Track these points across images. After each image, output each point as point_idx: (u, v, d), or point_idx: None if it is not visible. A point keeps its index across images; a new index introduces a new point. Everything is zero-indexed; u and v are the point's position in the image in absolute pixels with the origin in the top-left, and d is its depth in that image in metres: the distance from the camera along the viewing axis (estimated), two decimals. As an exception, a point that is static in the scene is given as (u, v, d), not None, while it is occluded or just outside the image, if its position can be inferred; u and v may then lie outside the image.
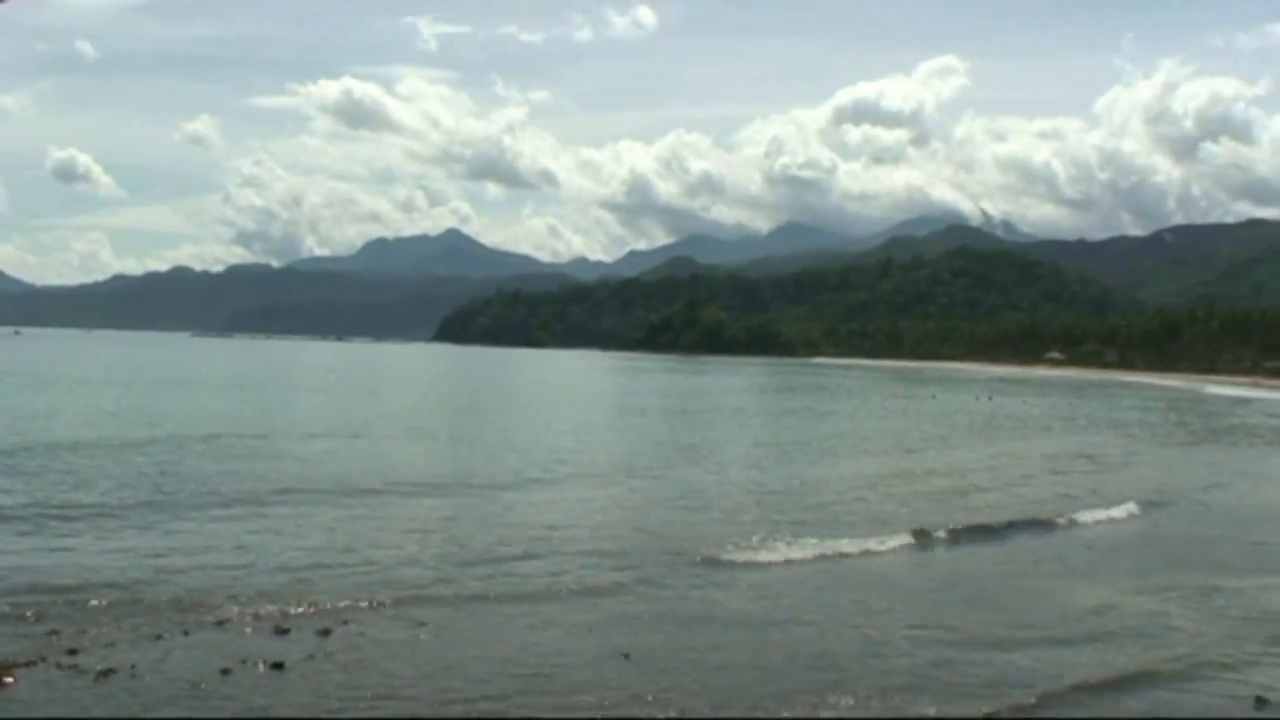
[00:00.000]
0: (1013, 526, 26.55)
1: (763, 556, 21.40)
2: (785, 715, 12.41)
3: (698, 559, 21.09)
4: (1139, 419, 77.53)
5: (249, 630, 15.35)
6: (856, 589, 19.22)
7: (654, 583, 19.16)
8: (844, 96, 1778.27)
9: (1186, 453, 51.94)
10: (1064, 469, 41.63)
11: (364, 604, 16.75)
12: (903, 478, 36.52)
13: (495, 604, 17.26)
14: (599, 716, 12.44)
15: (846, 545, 22.64)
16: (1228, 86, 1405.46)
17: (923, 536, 24.22)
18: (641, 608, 17.38)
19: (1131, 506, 30.07)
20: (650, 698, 13.00)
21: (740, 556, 21.35)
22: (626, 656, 14.57)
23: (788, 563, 21.15)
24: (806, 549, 22.14)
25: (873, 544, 23.04)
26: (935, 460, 43.80)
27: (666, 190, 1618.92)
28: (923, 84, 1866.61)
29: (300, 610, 16.24)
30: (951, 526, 25.72)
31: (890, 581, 19.97)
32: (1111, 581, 20.55)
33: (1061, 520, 27.82)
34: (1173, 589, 19.92)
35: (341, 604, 16.65)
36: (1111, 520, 28.06)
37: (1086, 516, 28.33)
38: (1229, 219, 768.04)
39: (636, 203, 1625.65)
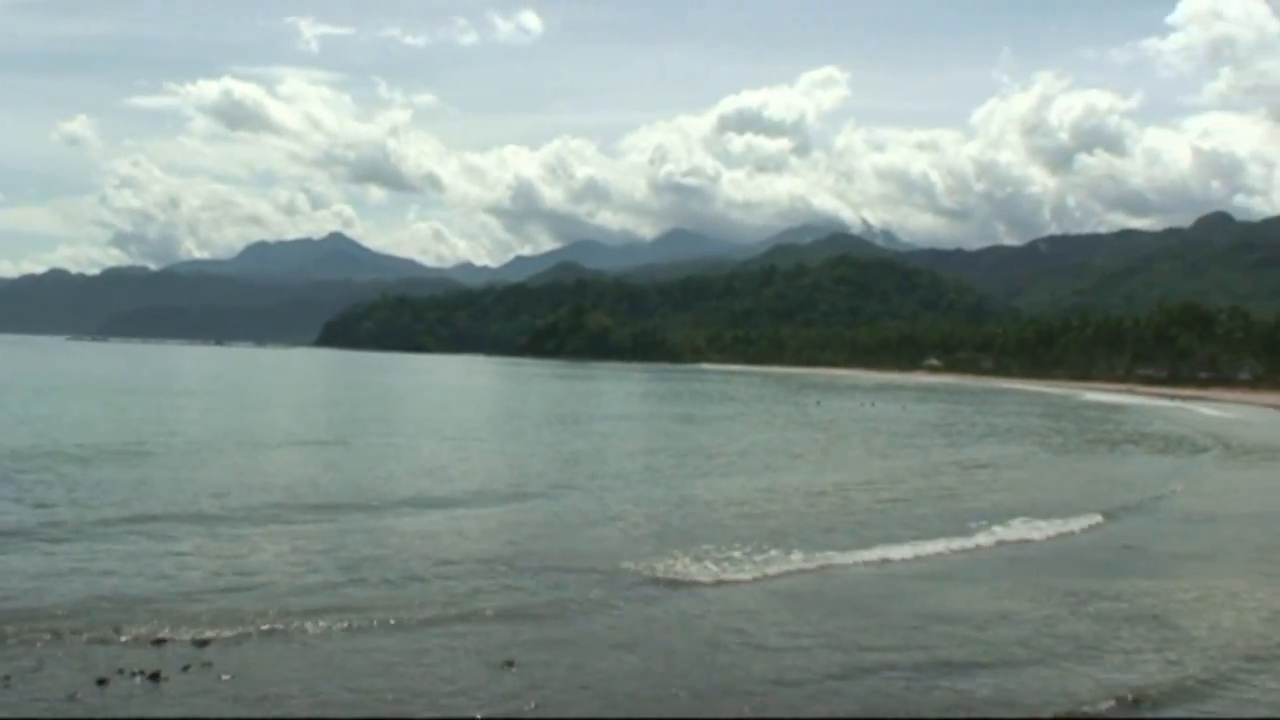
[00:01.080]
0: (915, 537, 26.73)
1: (662, 573, 20.84)
2: None
3: (593, 572, 20.51)
4: (1023, 425, 79.14)
5: (125, 640, 14.88)
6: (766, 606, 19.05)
7: (546, 595, 18.76)
8: (728, 105, 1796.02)
9: (1076, 461, 53.00)
10: (959, 477, 42.12)
11: (245, 617, 16.15)
12: (797, 491, 36.60)
13: (382, 615, 16.73)
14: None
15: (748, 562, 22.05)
16: (1101, 100, 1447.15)
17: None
18: (531, 621, 16.96)
19: (1031, 517, 30.46)
20: (532, 705, 12.77)
21: (641, 569, 20.80)
22: (510, 664, 14.27)
23: (711, 582, 20.74)
24: (710, 567, 21.56)
25: (773, 556, 22.50)
26: (827, 472, 44.00)
27: (552, 196, 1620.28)
28: (805, 94, 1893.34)
29: (178, 623, 15.61)
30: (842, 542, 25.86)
31: (790, 597, 19.73)
32: (999, 587, 20.65)
33: (960, 530, 28.02)
34: (1049, 592, 20.08)
35: (221, 618, 16.05)
36: (1008, 529, 28.31)
37: (983, 527, 28.52)
38: (1102, 229, 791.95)
39: (522, 208, 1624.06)
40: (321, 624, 15.98)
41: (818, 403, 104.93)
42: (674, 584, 19.67)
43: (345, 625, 16.00)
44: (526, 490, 32.38)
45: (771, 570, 21.00)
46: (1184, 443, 64.12)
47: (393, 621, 16.35)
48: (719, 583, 19.92)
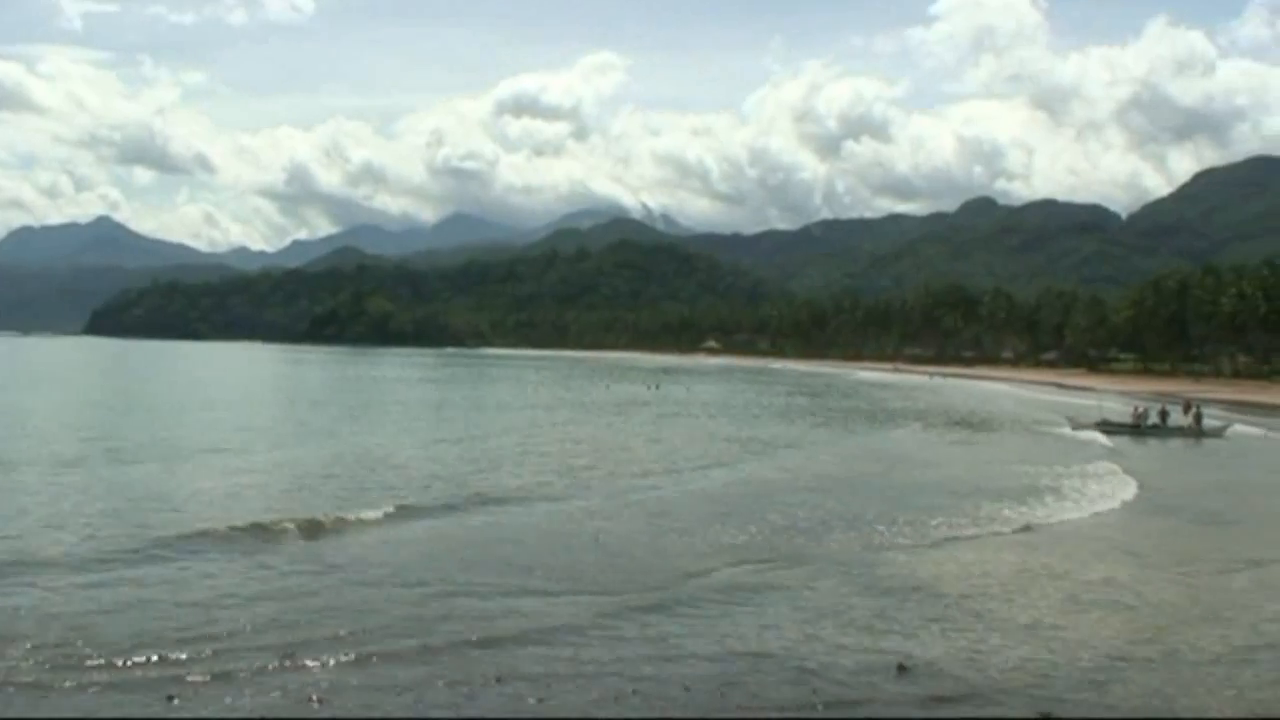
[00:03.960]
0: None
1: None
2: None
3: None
4: (796, 403, 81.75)
5: None
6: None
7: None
8: (505, 89, 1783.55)
9: (842, 433, 55.02)
10: (748, 452, 43.35)
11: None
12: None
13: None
14: None
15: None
16: (869, 87, 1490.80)
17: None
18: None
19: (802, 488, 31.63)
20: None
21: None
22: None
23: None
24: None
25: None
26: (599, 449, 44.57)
27: (328, 179, 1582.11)
28: (583, 78, 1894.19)
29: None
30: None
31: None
32: (759, 554, 21.07)
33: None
34: (818, 561, 20.73)
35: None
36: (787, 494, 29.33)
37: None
38: (871, 214, 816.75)
39: (297, 191, 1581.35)
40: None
41: (607, 387, 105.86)
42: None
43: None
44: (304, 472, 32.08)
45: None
46: (948, 418, 67.33)
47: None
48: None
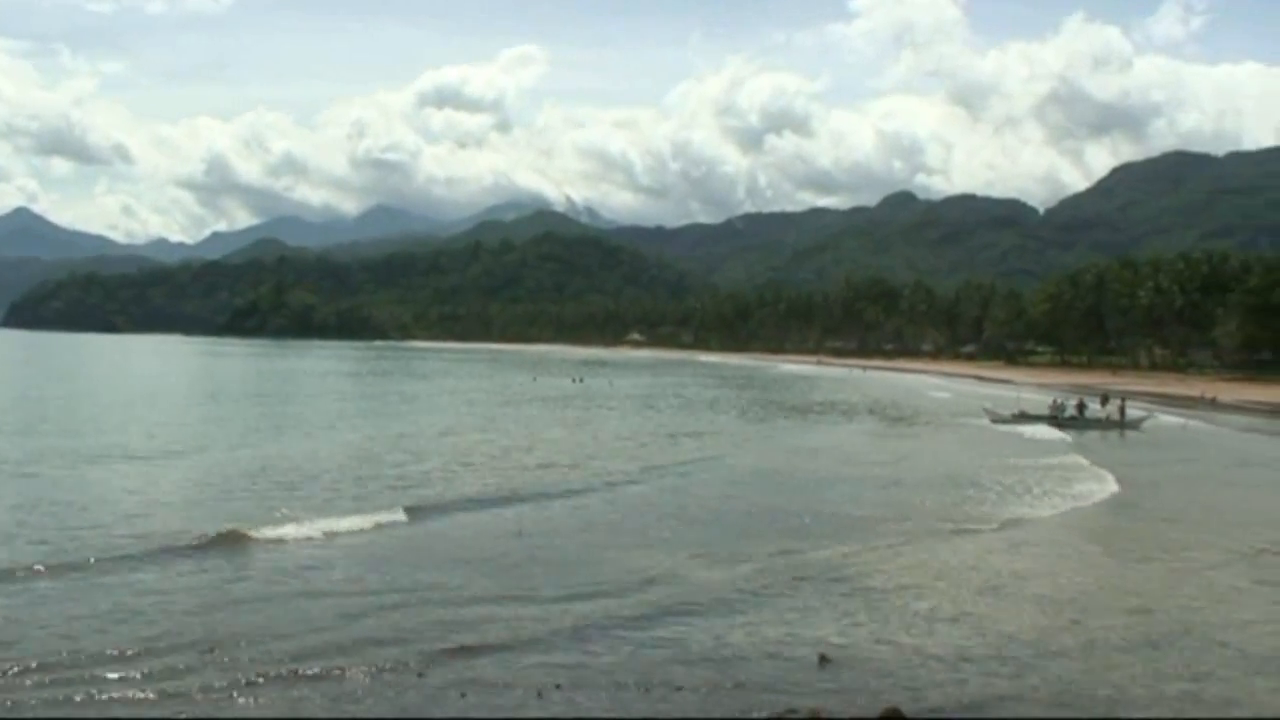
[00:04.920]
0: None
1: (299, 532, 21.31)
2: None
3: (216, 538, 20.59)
4: (722, 395, 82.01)
5: None
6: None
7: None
8: (427, 81, 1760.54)
9: (764, 426, 55.20)
10: (662, 445, 43.28)
11: None
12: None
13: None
14: None
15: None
16: (790, 82, 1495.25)
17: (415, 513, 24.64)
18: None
19: (721, 480, 31.58)
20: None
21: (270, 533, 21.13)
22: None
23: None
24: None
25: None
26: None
27: (247, 170, 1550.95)
28: (505, 71, 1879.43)
29: None
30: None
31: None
32: (679, 548, 21.18)
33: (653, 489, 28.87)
34: (740, 553, 20.74)
35: None
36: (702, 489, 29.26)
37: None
38: (793, 208, 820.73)
39: (216, 182, 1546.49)
40: None
41: (535, 379, 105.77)
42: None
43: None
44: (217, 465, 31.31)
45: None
46: (869, 410, 67.83)
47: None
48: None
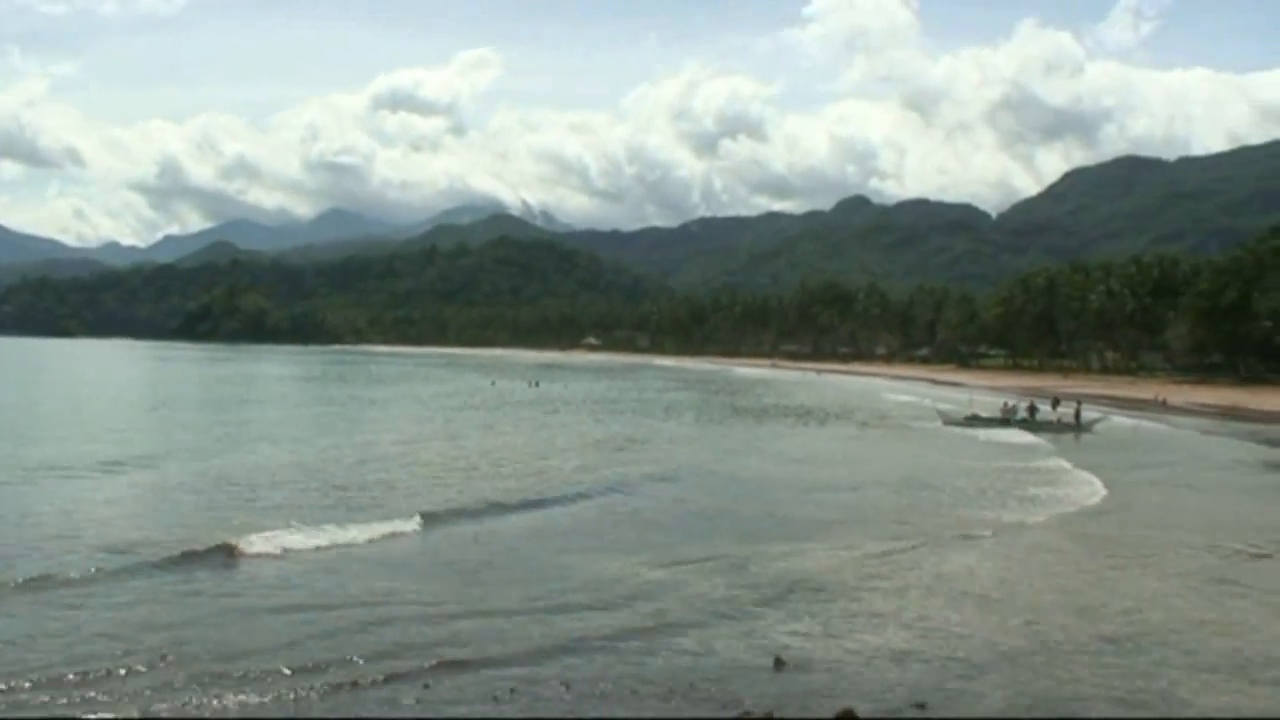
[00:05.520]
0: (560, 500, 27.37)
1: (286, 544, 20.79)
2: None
3: (211, 548, 20.07)
4: (680, 400, 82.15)
5: None
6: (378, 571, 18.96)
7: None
8: (381, 84, 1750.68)
9: (720, 430, 55.29)
10: (614, 450, 43.28)
11: None
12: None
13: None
14: None
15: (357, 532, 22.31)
16: (745, 86, 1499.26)
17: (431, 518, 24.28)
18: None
19: (670, 485, 31.62)
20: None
21: (267, 545, 20.53)
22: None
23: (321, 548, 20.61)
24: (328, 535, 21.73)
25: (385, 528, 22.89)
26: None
27: (200, 173, 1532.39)
28: (459, 74, 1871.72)
29: None
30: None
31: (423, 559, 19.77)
32: (636, 553, 21.15)
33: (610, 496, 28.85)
34: (697, 559, 20.69)
35: None
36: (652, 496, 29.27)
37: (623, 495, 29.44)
38: (748, 212, 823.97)
39: (169, 185, 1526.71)
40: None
41: (493, 383, 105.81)
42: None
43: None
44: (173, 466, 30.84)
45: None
46: (825, 413, 68.11)
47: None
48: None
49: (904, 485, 32.48)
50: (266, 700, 12.35)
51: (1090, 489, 32.25)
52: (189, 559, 19.53)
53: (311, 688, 12.74)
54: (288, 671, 13.23)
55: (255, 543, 20.65)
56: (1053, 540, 23.78)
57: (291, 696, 12.48)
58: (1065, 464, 39.07)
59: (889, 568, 20.42)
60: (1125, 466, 39.29)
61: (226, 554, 19.96)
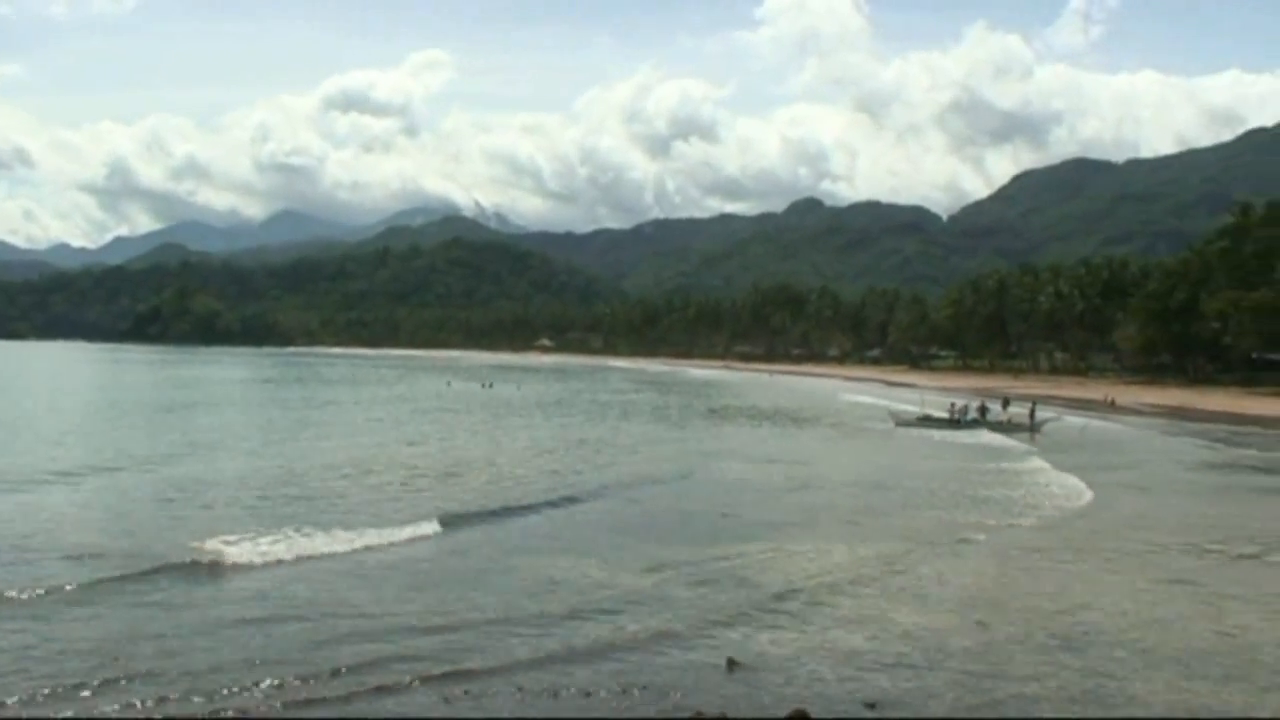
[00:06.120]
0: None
1: (260, 555, 20.31)
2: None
3: (189, 559, 19.62)
4: (639, 400, 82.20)
5: None
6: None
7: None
8: (333, 85, 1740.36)
9: (680, 432, 55.31)
10: (571, 455, 43.22)
11: None
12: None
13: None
14: None
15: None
16: (697, 89, 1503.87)
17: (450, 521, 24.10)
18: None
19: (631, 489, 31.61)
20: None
21: (236, 556, 20.09)
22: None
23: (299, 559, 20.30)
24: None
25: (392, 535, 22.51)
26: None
27: (150, 174, 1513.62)
28: (412, 75, 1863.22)
29: None
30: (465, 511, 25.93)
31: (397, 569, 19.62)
32: (588, 556, 21.09)
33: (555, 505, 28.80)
34: (653, 561, 20.68)
35: None
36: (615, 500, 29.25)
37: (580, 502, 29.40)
38: (701, 214, 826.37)
39: (118, 186, 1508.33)
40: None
41: (449, 384, 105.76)
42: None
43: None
44: (134, 468, 30.35)
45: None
46: (779, 415, 68.34)
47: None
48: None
49: (856, 485, 32.71)
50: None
51: (1074, 490, 32.55)
52: (144, 570, 19.21)
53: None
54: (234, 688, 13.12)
55: (210, 553, 20.14)
56: (1018, 540, 23.88)
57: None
58: (1043, 464, 39.42)
59: (842, 567, 20.50)
60: (1093, 468, 39.66)
61: (189, 565, 19.42)
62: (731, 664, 14.06)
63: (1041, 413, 59.63)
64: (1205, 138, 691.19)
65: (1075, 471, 36.45)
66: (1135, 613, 17.28)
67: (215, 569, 19.35)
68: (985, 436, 52.98)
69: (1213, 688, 13.54)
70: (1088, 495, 31.24)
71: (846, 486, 32.61)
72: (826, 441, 51.23)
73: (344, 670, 13.51)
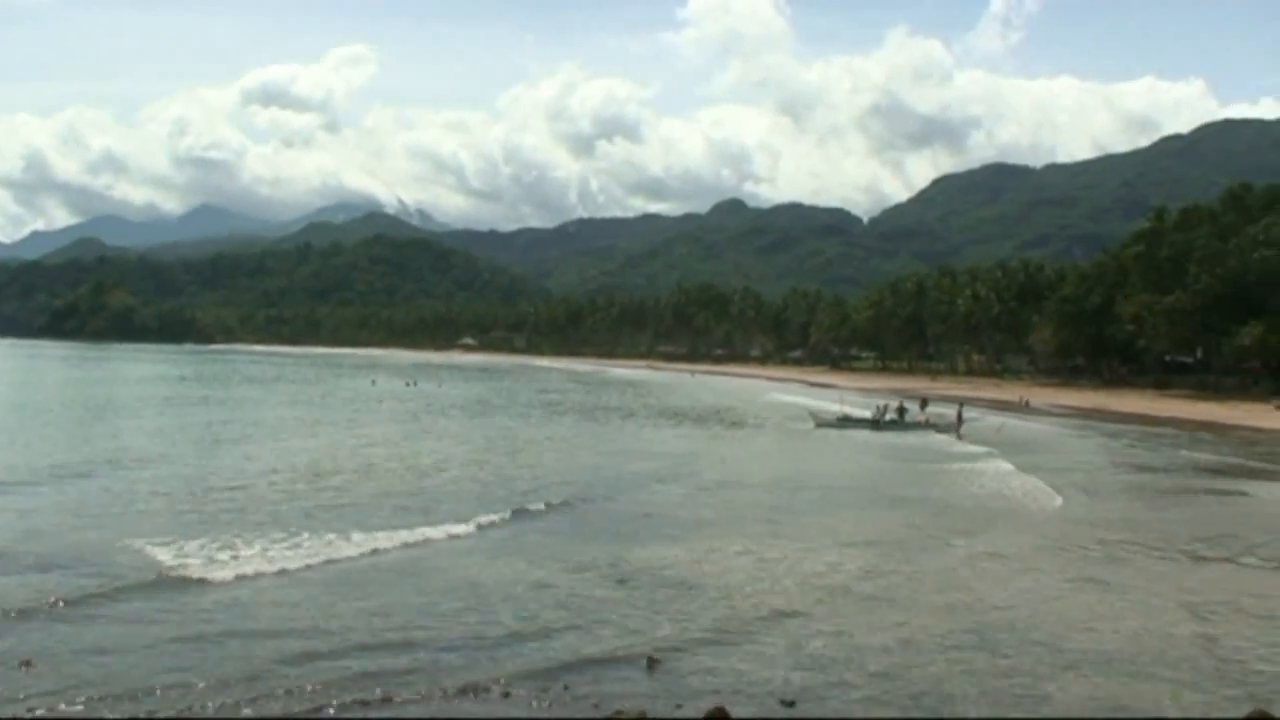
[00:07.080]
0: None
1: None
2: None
3: (147, 574, 18.77)
4: (563, 400, 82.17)
5: None
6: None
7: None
8: (252, 79, 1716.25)
9: (602, 430, 55.41)
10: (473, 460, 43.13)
11: None
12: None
13: None
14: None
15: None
16: (621, 88, 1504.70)
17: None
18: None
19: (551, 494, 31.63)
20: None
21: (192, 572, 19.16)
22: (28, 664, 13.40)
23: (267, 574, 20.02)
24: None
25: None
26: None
27: (66, 168, 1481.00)
28: (333, 70, 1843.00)
29: None
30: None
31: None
32: (511, 556, 21.04)
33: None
34: (573, 561, 20.74)
35: None
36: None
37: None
38: (624, 213, 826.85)
39: (34, 180, 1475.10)
40: None
41: (373, 382, 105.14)
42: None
43: None
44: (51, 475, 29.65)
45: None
46: (702, 415, 68.70)
47: None
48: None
49: (774, 484, 32.97)
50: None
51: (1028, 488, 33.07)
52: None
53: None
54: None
55: (132, 569, 19.34)
56: (936, 535, 24.23)
57: None
58: (987, 464, 39.95)
59: (761, 565, 20.73)
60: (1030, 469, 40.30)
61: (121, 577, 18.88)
62: (651, 662, 14.15)
63: (968, 413, 60.45)
64: (1121, 143, 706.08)
65: (1034, 472, 37.10)
66: (1049, 612, 17.65)
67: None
68: (911, 437, 53.68)
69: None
70: (1043, 493, 31.81)
71: (761, 485, 33.04)
72: (744, 441, 51.60)
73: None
